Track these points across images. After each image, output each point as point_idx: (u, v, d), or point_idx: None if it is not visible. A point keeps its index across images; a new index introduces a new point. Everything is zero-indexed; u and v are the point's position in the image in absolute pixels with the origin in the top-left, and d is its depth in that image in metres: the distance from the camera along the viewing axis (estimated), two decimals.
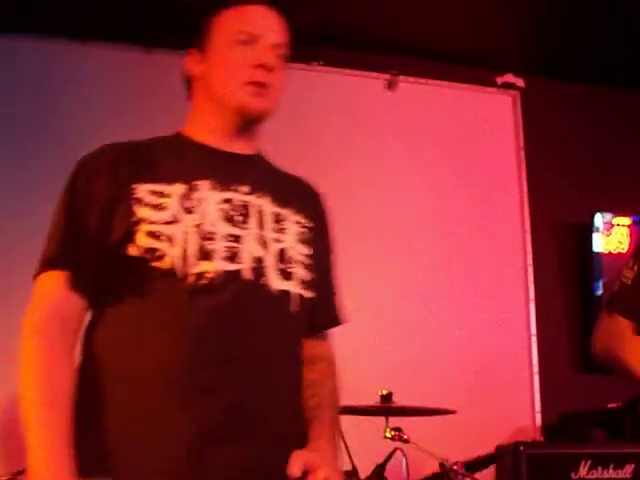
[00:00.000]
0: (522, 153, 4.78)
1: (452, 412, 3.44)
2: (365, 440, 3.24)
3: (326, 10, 4.28)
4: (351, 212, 4.26)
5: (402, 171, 4.56)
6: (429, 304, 4.41)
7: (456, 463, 3.15)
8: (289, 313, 1.82)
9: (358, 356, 3.87)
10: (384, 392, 3.33)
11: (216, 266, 1.73)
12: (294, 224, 1.89)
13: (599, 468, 3.02)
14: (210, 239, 1.75)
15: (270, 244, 1.82)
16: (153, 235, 1.74)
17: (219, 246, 1.75)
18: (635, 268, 2.20)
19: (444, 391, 4.04)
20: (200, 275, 1.72)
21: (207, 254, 1.74)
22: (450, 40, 4.61)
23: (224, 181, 1.83)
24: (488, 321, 4.47)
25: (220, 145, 1.90)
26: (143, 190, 1.78)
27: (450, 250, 4.54)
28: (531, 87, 4.87)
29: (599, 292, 4.59)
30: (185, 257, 1.73)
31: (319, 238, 1.95)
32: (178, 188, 1.79)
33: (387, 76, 4.66)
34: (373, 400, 3.34)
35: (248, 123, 1.90)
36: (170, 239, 1.73)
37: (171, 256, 1.72)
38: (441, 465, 3.16)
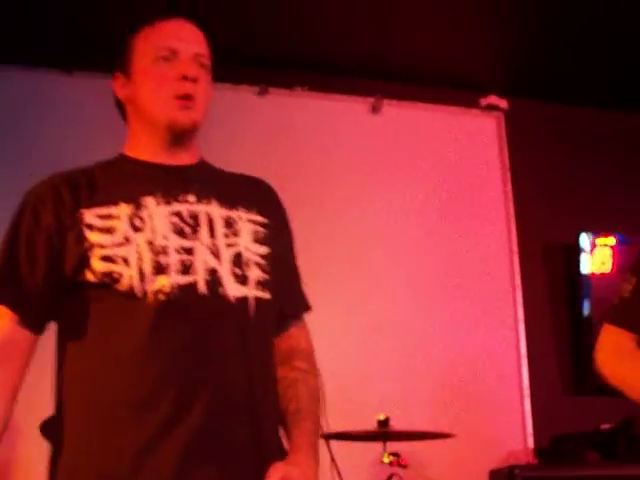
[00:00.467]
0: (508, 174, 4.78)
1: (450, 436, 3.42)
2: (363, 465, 3.22)
3: (309, 35, 4.29)
4: (336, 236, 4.24)
5: (388, 194, 4.55)
6: (421, 328, 4.38)
7: None
8: (249, 319, 1.80)
9: (354, 382, 3.84)
10: (381, 417, 3.32)
11: (171, 280, 1.73)
12: (247, 223, 1.89)
13: None
14: (163, 253, 1.76)
15: (223, 251, 1.81)
16: (108, 259, 1.74)
17: (172, 259, 1.76)
18: (633, 281, 2.22)
19: (436, 415, 4.01)
20: (158, 291, 1.72)
21: (162, 268, 1.74)
22: (433, 63, 4.61)
23: (169, 194, 1.84)
24: (478, 344, 4.44)
25: (159, 160, 1.92)
26: (91, 215, 1.79)
27: (438, 273, 4.51)
28: (515, 108, 4.88)
29: (587, 312, 4.58)
30: (142, 274, 1.73)
31: (276, 232, 1.95)
32: (124, 208, 1.80)
33: (371, 100, 4.66)
34: (370, 425, 3.33)
35: (180, 136, 1.90)
36: (125, 260, 1.74)
37: (128, 276, 1.73)
38: None
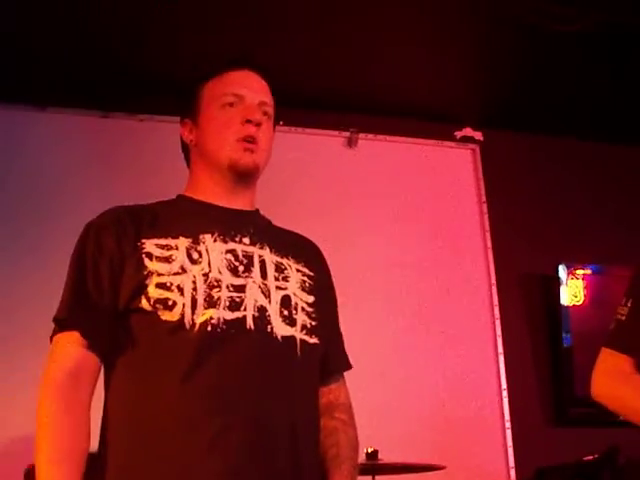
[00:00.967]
0: (484, 206, 4.78)
1: (441, 468, 3.40)
2: None
3: (284, 69, 4.29)
4: None
5: (364, 228, 4.54)
6: (402, 363, 4.36)
7: None
8: (296, 358, 1.85)
9: None
10: (369, 450, 3.32)
11: (219, 314, 1.78)
12: (296, 272, 1.95)
13: None
14: (217, 287, 1.81)
15: (273, 292, 1.87)
16: (164, 286, 1.80)
17: (224, 294, 1.81)
18: (629, 304, 2.22)
19: (419, 448, 3.98)
20: (205, 323, 1.76)
21: (213, 302, 1.79)
22: (407, 95, 4.63)
23: (226, 233, 1.91)
24: (459, 377, 4.43)
25: (219, 202, 1.98)
26: (150, 244, 1.85)
27: (417, 307, 4.50)
28: (490, 140, 4.90)
29: (567, 344, 4.57)
30: (194, 305, 1.78)
31: (321, 287, 2.02)
32: (183, 241, 1.87)
33: (347, 133, 4.67)
34: (359, 459, 3.29)
35: (242, 178, 1.98)
36: (180, 288, 1.79)
37: (181, 304, 1.77)
38: None
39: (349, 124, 4.66)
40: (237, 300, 1.81)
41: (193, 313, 1.77)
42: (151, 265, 1.82)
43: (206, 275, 1.82)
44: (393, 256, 4.55)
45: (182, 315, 1.77)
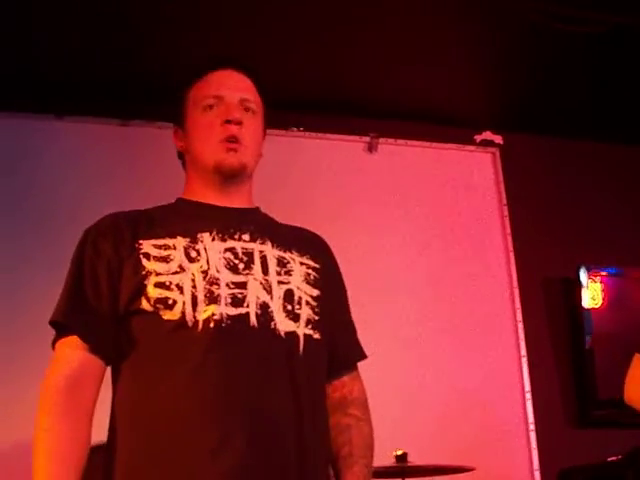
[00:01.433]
0: (505, 209, 4.78)
1: (471, 469, 3.39)
2: None
3: (303, 75, 4.31)
4: None
5: (386, 233, 4.55)
6: (426, 365, 4.37)
7: None
8: (298, 354, 1.83)
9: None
10: (399, 452, 3.30)
11: (221, 310, 1.77)
12: (299, 266, 1.94)
13: None
14: (216, 284, 1.80)
15: (275, 287, 1.85)
16: (163, 285, 1.79)
17: (224, 292, 1.80)
18: None
19: (444, 450, 3.97)
20: (208, 320, 1.76)
21: (214, 298, 1.78)
22: (427, 100, 4.63)
23: (224, 232, 1.90)
24: (482, 380, 4.42)
25: (215, 202, 1.99)
26: (148, 245, 1.85)
27: (439, 310, 4.50)
28: (510, 143, 4.89)
29: (589, 346, 4.56)
30: (194, 302, 1.77)
31: (328, 279, 2.00)
32: (181, 241, 1.87)
33: (367, 139, 4.68)
34: (387, 461, 3.29)
35: (229, 178, 1.98)
36: (179, 287, 1.79)
37: (181, 303, 1.77)
38: None
39: (369, 129, 4.67)
40: (239, 296, 1.81)
41: (194, 310, 1.77)
42: (149, 265, 1.82)
43: (205, 272, 1.81)
44: (412, 261, 4.55)
45: (183, 313, 1.77)
